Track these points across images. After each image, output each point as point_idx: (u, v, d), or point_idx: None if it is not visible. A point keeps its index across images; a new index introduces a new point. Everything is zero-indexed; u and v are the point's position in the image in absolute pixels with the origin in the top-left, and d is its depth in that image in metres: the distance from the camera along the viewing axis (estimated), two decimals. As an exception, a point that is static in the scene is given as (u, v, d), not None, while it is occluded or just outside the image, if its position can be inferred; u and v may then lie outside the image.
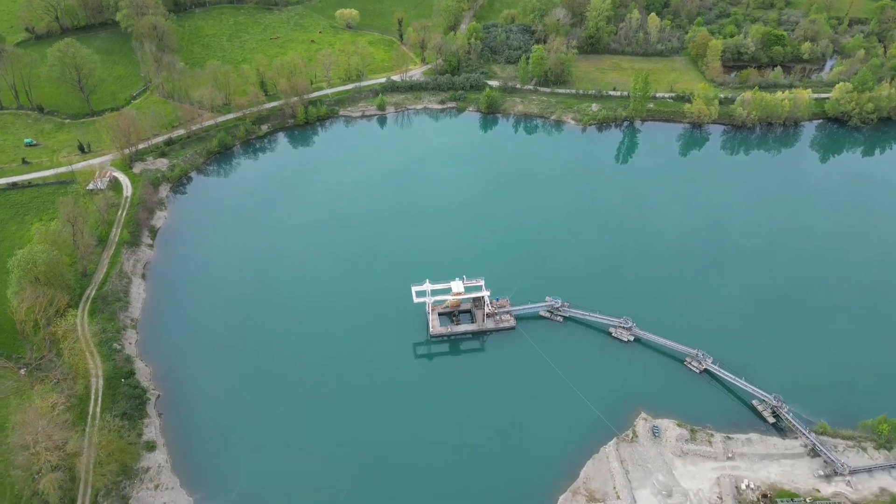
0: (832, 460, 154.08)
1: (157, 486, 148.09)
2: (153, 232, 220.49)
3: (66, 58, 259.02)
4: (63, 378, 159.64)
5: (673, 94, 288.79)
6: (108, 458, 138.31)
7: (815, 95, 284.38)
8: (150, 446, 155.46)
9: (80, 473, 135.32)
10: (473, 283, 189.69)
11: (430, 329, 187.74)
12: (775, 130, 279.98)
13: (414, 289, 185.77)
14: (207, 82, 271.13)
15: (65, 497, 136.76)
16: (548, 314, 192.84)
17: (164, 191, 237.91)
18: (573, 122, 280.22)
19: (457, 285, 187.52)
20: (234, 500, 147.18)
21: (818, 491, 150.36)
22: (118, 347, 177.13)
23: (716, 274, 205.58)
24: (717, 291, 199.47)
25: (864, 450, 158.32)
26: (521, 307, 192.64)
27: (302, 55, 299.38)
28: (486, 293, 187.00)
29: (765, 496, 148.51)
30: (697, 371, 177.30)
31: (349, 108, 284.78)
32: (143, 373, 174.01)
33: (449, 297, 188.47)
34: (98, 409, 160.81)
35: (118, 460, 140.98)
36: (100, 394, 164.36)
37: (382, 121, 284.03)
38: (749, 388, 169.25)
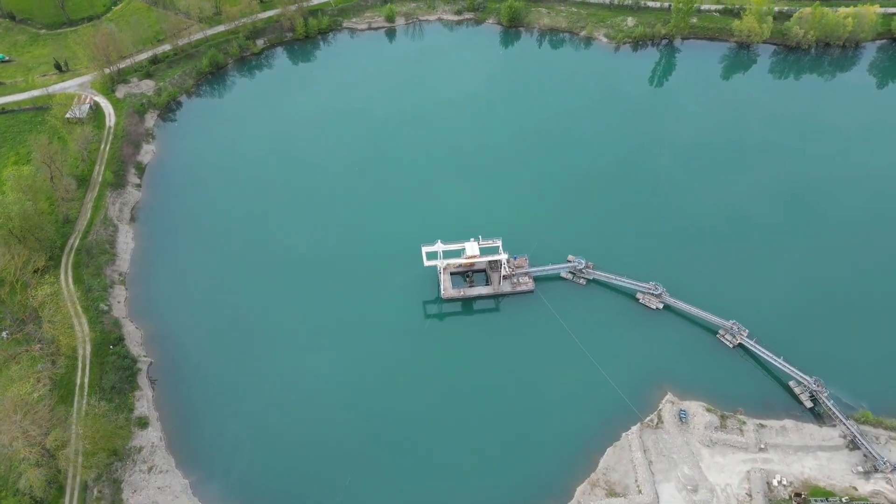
0: (872, 454, 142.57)
1: (150, 469, 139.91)
2: (140, 169, 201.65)
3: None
4: (45, 351, 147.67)
5: (720, 7, 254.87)
6: (95, 448, 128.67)
7: (883, 10, 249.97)
8: (143, 423, 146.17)
9: (65, 466, 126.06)
10: (489, 243, 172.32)
11: (442, 291, 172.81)
12: (832, 52, 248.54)
13: (424, 250, 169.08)
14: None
15: (51, 486, 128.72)
16: (570, 276, 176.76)
17: (150, 119, 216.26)
18: (605, 40, 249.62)
19: (471, 247, 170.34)
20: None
21: (855, 489, 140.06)
22: (105, 308, 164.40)
23: (759, 236, 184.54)
24: (760, 257, 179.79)
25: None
26: (540, 268, 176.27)
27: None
28: (503, 256, 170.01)
29: (797, 494, 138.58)
30: (731, 345, 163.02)
31: (354, 20, 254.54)
32: (134, 337, 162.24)
33: (462, 260, 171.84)
34: (86, 380, 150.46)
35: (107, 447, 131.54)
36: (87, 363, 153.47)
37: (391, 34, 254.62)
38: (787, 367, 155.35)
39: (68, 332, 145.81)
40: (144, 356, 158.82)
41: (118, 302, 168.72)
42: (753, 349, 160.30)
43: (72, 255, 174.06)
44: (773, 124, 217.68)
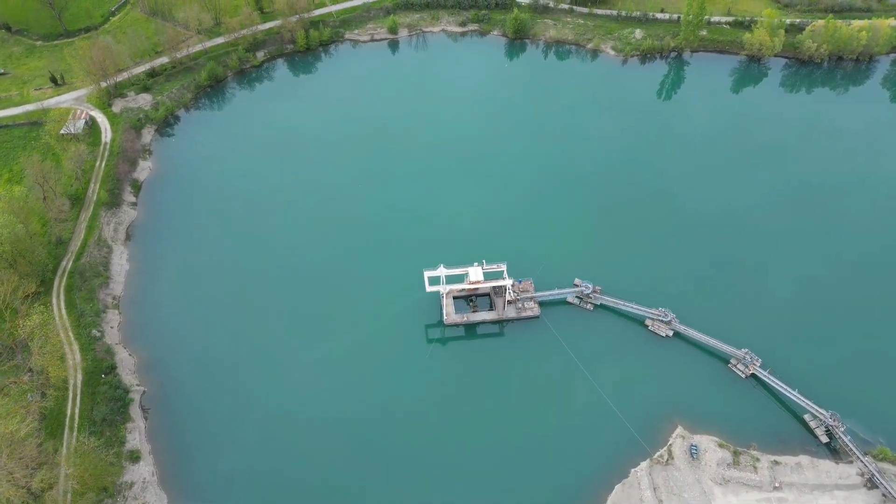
0: (892, 494, 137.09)
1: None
2: (136, 187, 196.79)
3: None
4: (34, 382, 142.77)
5: (731, 19, 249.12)
6: (84, 488, 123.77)
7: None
8: (134, 456, 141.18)
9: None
10: (494, 268, 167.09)
11: (445, 317, 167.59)
12: (845, 66, 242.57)
13: (426, 274, 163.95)
14: (193, 0, 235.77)
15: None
16: (576, 301, 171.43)
17: (147, 135, 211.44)
18: (612, 53, 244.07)
19: (475, 272, 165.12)
20: None
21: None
22: (98, 334, 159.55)
23: (774, 262, 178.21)
24: (774, 284, 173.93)
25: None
26: (546, 293, 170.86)
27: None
28: (507, 281, 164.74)
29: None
30: (743, 375, 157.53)
31: (356, 31, 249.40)
32: (127, 364, 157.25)
33: (465, 286, 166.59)
34: (77, 411, 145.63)
35: (96, 486, 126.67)
36: (78, 392, 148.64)
37: (394, 46, 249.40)
38: (801, 400, 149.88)
39: (58, 365, 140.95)
40: (137, 385, 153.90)
41: (111, 327, 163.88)
42: (767, 380, 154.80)
43: (64, 277, 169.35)
44: (787, 142, 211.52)
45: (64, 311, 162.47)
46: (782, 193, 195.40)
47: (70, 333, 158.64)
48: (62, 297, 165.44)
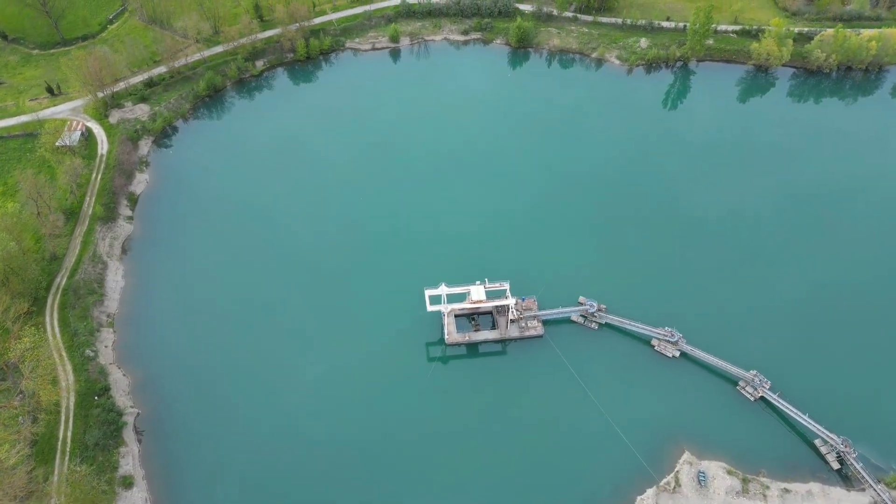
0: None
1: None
2: (132, 200, 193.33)
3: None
4: (25, 405, 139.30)
5: (738, 28, 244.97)
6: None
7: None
8: (127, 482, 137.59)
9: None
10: (496, 286, 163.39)
11: (446, 336, 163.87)
12: (854, 76, 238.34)
13: (427, 293, 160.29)
14: (192, 8, 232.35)
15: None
16: (581, 319, 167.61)
17: (144, 146, 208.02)
18: (617, 62, 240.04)
19: (477, 291, 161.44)
20: None
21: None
22: (91, 354, 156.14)
23: (783, 280, 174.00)
24: (783, 303, 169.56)
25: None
26: (549, 311, 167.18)
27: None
28: (510, 301, 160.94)
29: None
30: (752, 398, 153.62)
31: (357, 40, 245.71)
32: (120, 385, 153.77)
33: (466, 305, 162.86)
34: (69, 435, 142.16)
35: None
36: (71, 415, 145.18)
37: (395, 55, 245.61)
38: (812, 425, 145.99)
39: (49, 389, 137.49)
40: (131, 407, 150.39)
41: (105, 346, 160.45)
42: (776, 403, 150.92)
43: (58, 295, 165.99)
44: (796, 155, 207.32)
45: (57, 330, 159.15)
46: (792, 208, 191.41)
47: (63, 353, 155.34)
48: (56, 315, 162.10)
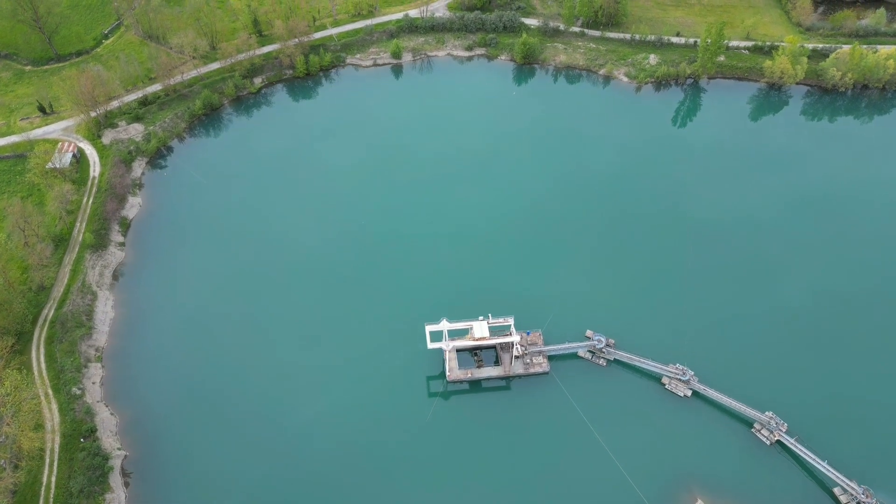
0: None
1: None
2: (125, 226, 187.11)
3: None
4: (5, 451, 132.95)
5: (750, 44, 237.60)
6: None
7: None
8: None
9: None
10: (500, 322, 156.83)
11: (447, 373, 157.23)
12: (870, 94, 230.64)
13: (428, 329, 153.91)
14: (189, 23, 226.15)
15: None
16: (588, 355, 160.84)
17: (138, 168, 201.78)
18: (625, 79, 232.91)
19: (480, 327, 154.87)
20: None
21: None
22: (78, 392, 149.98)
23: (804, 314, 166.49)
24: (801, 339, 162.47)
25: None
26: (556, 347, 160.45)
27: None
28: (515, 338, 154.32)
29: None
30: (768, 442, 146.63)
31: (358, 56, 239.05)
32: (108, 425, 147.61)
33: (468, 343, 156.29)
34: (53, 480, 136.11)
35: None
36: (56, 458, 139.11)
37: (397, 71, 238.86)
38: (831, 472, 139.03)
39: (31, 436, 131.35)
40: (119, 449, 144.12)
41: (93, 383, 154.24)
42: (793, 448, 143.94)
43: (45, 328, 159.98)
44: (815, 179, 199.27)
45: (44, 367, 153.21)
46: (813, 239, 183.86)
47: (49, 390, 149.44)
48: (42, 349, 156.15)
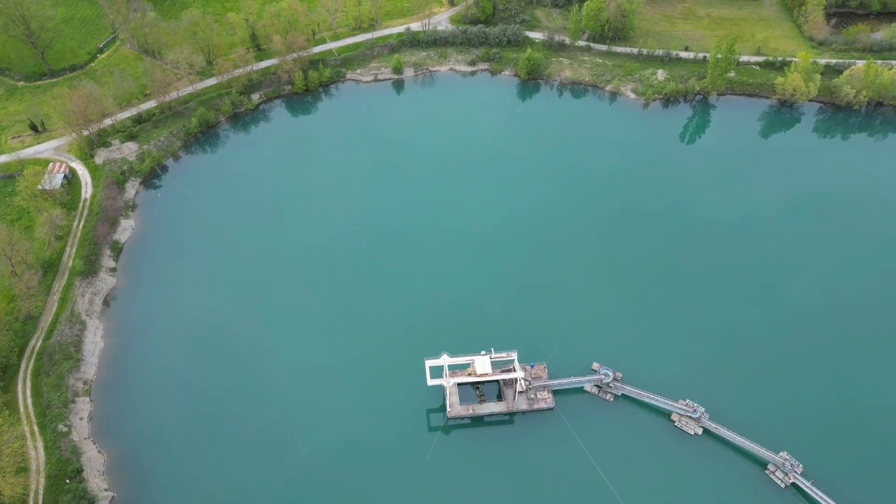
0: None
1: None
2: (116, 250, 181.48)
3: (9, 9, 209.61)
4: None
5: (761, 60, 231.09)
6: None
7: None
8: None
9: None
10: (503, 356, 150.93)
11: (448, 408, 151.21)
12: (885, 111, 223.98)
13: (428, 364, 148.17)
14: (185, 39, 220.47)
15: None
16: (595, 390, 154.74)
17: (131, 189, 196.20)
18: (633, 96, 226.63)
19: (482, 363, 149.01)
20: None
21: None
22: (64, 429, 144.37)
23: (820, 347, 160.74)
24: (818, 376, 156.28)
25: None
26: (561, 381, 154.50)
27: (301, 1, 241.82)
28: (519, 374, 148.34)
29: None
30: (782, 485, 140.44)
31: (358, 71, 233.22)
32: (95, 464, 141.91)
33: (470, 378, 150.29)
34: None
35: None
36: (40, 500, 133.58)
37: (399, 87, 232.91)
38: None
39: (13, 482, 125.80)
40: (106, 490, 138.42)
41: (80, 419, 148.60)
42: (809, 491, 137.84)
43: (32, 360, 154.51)
44: (834, 205, 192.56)
45: (30, 402, 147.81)
46: (829, 265, 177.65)
47: (35, 427, 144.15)
48: (28, 383, 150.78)
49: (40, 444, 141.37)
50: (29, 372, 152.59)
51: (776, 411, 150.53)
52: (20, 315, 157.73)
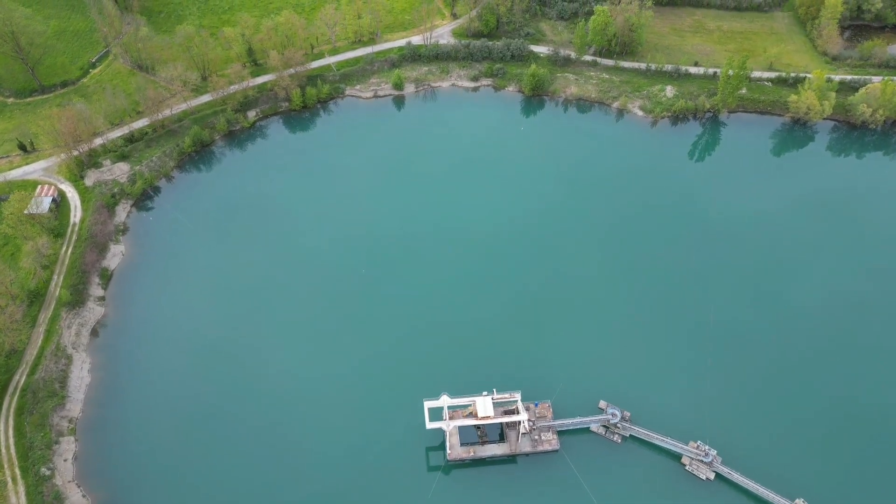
0: None
1: None
2: (105, 277, 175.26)
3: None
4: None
5: (773, 76, 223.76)
6: None
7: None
8: None
9: None
10: (505, 397, 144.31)
11: (448, 451, 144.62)
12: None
13: (427, 405, 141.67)
14: (179, 54, 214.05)
15: None
16: (601, 430, 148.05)
17: (122, 212, 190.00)
18: (640, 113, 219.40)
19: (483, 403, 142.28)
20: None
21: None
22: (47, 472, 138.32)
23: (840, 386, 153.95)
24: (840, 416, 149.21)
25: None
26: (566, 421, 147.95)
27: (299, 14, 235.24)
28: (523, 416, 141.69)
29: None
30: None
31: (358, 86, 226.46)
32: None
33: (471, 421, 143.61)
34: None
35: None
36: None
37: (399, 103, 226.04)
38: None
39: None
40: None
41: (65, 460, 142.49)
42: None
43: (16, 397, 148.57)
44: (850, 224, 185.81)
45: (12, 442, 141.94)
46: (847, 295, 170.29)
47: (17, 471, 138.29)
48: (11, 422, 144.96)
49: (21, 490, 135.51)
50: (12, 410, 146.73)
51: (793, 455, 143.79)
52: (3, 349, 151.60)
